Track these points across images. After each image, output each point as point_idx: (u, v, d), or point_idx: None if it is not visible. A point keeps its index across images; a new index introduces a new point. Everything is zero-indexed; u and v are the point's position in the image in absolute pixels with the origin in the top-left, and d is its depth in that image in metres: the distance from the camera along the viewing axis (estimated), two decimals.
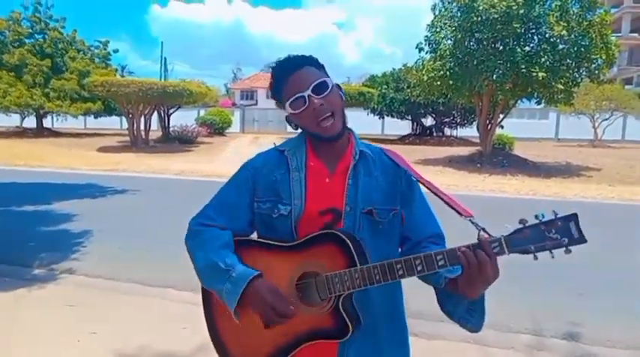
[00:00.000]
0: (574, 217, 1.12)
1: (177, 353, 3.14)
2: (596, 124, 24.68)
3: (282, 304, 1.20)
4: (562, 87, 13.85)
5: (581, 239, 1.11)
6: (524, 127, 26.57)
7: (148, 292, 4.32)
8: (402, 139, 25.80)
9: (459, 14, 14.55)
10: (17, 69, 25.92)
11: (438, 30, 15.24)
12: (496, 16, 13.32)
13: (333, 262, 1.24)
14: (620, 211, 9.26)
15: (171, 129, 24.49)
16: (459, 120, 25.51)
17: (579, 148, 21.84)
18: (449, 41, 14.99)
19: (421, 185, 1.39)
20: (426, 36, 15.58)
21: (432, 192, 1.33)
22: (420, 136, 26.43)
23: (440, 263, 1.16)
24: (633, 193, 11.20)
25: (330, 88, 1.30)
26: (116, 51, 30.53)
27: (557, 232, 1.11)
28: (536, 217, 1.13)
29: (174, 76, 42.77)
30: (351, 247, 1.22)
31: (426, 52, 15.86)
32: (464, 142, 23.77)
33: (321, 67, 1.36)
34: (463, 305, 1.28)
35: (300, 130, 1.41)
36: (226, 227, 1.37)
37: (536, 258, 1.13)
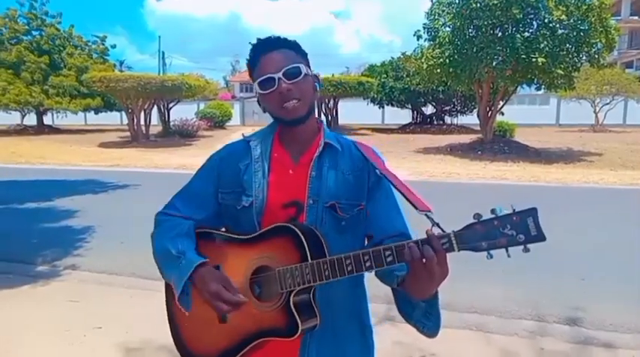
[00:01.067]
0: (533, 212, 1.02)
1: None
2: (597, 109, 24.57)
3: (229, 293, 1.16)
4: (562, 72, 13.77)
5: (539, 236, 1.01)
6: (525, 113, 26.47)
7: (151, 286, 4.32)
8: (403, 128, 25.74)
9: (457, 1, 14.44)
10: (15, 66, 25.88)
11: (436, 17, 15.14)
12: (495, 2, 13.22)
13: (287, 256, 1.18)
14: (622, 196, 9.25)
15: (171, 123, 24.48)
16: (459, 108, 25.43)
17: (580, 134, 21.77)
18: (447, 28, 14.89)
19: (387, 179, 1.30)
20: (425, 24, 15.49)
21: (392, 185, 1.25)
22: (421, 124, 26.37)
23: (388, 259, 1.08)
24: (635, 178, 11.18)
25: (302, 74, 1.26)
26: (114, 46, 30.52)
27: (513, 228, 1.02)
28: (492, 211, 1.04)
29: (172, 70, 42.73)
30: (304, 241, 1.16)
31: (425, 40, 15.78)
32: (464, 129, 23.70)
33: (301, 53, 1.32)
34: (420, 308, 1.20)
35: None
36: (191, 217, 1.36)
37: (490, 257, 1.04)
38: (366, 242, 1.37)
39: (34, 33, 28.07)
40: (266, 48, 1.29)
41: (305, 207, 1.27)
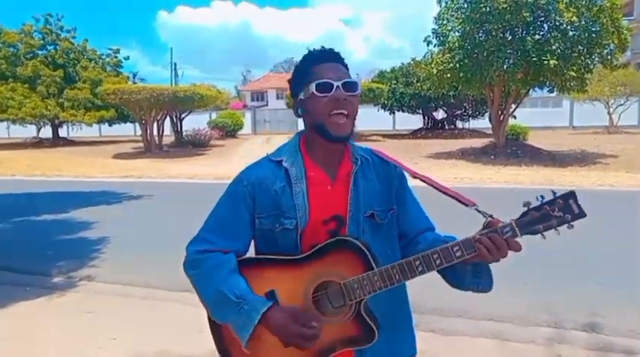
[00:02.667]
0: (572, 194, 1.20)
1: None
2: (611, 110, 24.25)
3: (308, 330, 1.17)
4: (574, 74, 13.63)
5: (582, 213, 1.20)
6: (538, 116, 26.22)
7: (166, 297, 4.36)
8: (414, 134, 25.65)
9: (465, 5, 14.41)
10: (31, 81, 26.40)
11: (445, 22, 15.11)
12: (504, 5, 13.16)
13: (349, 267, 1.23)
14: (639, 198, 9.08)
15: (183, 133, 24.70)
16: (470, 112, 25.27)
17: (595, 136, 21.48)
18: (457, 33, 14.86)
19: (420, 181, 1.39)
20: (434, 29, 15.47)
21: (434, 187, 1.34)
22: (432, 129, 26.25)
23: (457, 254, 1.19)
24: None
25: (358, 90, 1.30)
26: (127, 58, 30.95)
27: (560, 209, 1.19)
28: (538, 198, 1.20)
29: (184, 80, 43.20)
30: (366, 252, 1.22)
31: (435, 45, 15.75)
32: (476, 134, 23.54)
33: (349, 71, 1.37)
34: (468, 273, 1.29)
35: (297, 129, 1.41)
36: (229, 249, 1.32)
37: (544, 237, 1.21)
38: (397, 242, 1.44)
39: (49, 47, 28.60)
40: (324, 58, 1.32)
41: (347, 219, 1.31)
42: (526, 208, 1.20)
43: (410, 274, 1.21)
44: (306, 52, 1.37)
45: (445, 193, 1.32)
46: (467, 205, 1.27)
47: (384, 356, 1.37)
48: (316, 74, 1.29)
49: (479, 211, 1.25)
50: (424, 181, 1.37)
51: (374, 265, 1.22)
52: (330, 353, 1.25)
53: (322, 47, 1.36)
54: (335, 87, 1.26)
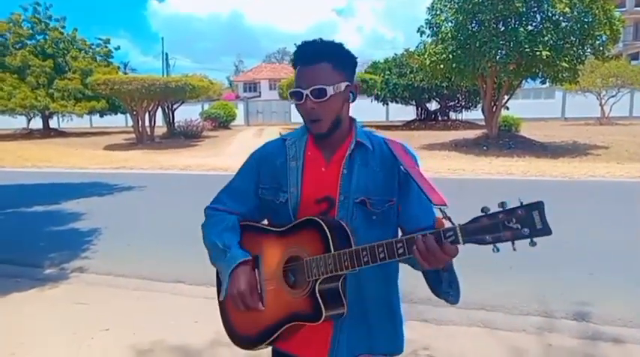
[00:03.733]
0: (539, 205, 1.03)
1: (190, 347, 3.18)
2: (603, 102, 24.40)
3: (249, 296, 1.32)
4: (567, 65, 13.67)
5: (545, 230, 1.02)
6: (530, 107, 26.34)
7: (159, 288, 4.36)
8: (408, 125, 25.67)
9: None
10: (20, 71, 26.08)
11: (438, 13, 15.07)
12: None
13: (314, 247, 1.28)
14: (630, 189, 9.18)
15: (176, 124, 24.55)
16: (463, 103, 25.31)
17: (586, 127, 21.63)
18: (450, 24, 14.83)
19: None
20: (427, 19, 15.42)
21: (412, 178, 1.31)
22: (425, 121, 26.28)
23: (399, 251, 1.18)
24: None
25: (327, 96, 1.30)
26: (117, 48, 30.63)
27: (518, 221, 1.03)
28: (501, 204, 1.06)
29: (176, 71, 42.82)
30: (328, 233, 1.25)
31: (428, 36, 15.72)
32: (469, 125, 23.61)
33: (341, 65, 1.34)
34: (445, 280, 1.32)
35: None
36: (235, 211, 1.49)
37: (496, 250, 1.07)
38: (399, 235, 1.41)
39: (38, 37, 28.26)
40: (304, 60, 1.34)
41: (337, 202, 1.35)
42: (482, 214, 1.07)
43: (357, 262, 1.21)
44: (297, 43, 1.38)
45: (418, 187, 1.27)
46: (430, 202, 1.22)
47: (362, 344, 1.39)
48: (296, 77, 1.35)
49: (442, 211, 1.20)
50: (408, 173, 1.32)
51: (332, 247, 1.24)
52: (284, 323, 1.32)
53: (304, 44, 1.36)
54: (304, 96, 1.31)
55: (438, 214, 1.26)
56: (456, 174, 11.28)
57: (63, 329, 3.49)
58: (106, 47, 29.76)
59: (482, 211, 1.07)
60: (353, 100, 1.40)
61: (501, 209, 1.05)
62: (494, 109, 16.38)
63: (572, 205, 7.12)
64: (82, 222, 7.02)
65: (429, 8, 15.40)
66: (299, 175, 1.39)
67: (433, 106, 26.95)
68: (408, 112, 27.51)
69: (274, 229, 1.40)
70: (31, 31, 28.01)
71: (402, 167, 1.36)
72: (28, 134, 28.43)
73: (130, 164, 15.09)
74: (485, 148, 15.68)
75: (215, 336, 3.15)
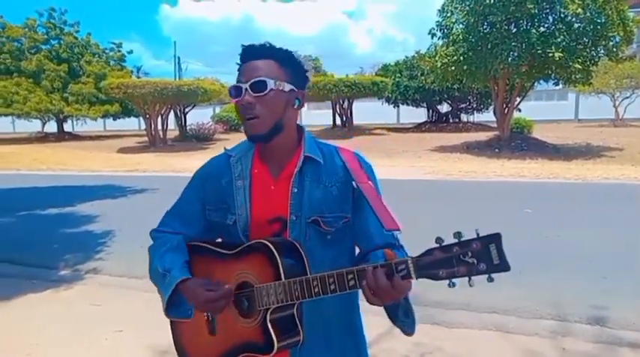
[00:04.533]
0: (495, 237, 0.94)
1: None
2: (617, 103, 24.07)
3: (214, 292, 1.17)
4: (579, 67, 13.53)
5: (502, 266, 0.94)
6: (543, 109, 26.08)
7: None
8: (419, 127, 25.55)
9: None
10: (35, 75, 26.47)
11: (449, 15, 15.02)
12: None
13: (264, 273, 1.18)
14: None
15: (188, 127, 24.69)
16: (475, 105, 25.13)
17: (600, 129, 21.34)
18: (461, 25, 14.76)
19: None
20: (438, 21, 15.38)
21: (364, 198, 1.21)
22: (437, 123, 26.13)
23: (350, 283, 1.07)
24: None
25: (267, 89, 1.20)
26: (130, 52, 30.98)
27: (474, 255, 0.95)
28: (455, 235, 0.97)
29: (188, 74, 43.07)
30: (278, 259, 1.15)
31: (439, 38, 15.66)
32: (481, 127, 23.42)
33: (289, 66, 1.25)
34: (402, 309, 1.19)
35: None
36: (181, 232, 1.38)
37: (452, 285, 0.98)
38: (355, 254, 1.35)
39: (52, 42, 28.66)
40: (247, 55, 1.25)
41: (288, 223, 1.25)
42: (436, 245, 0.99)
43: (307, 293, 1.11)
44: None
45: (371, 209, 1.18)
46: (383, 228, 1.13)
47: None
48: (239, 74, 1.25)
49: (394, 237, 1.19)
50: (361, 191, 1.23)
51: (282, 275, 1.14)
52: (237, 354, 1.23)
53: (253, 44, 1.26)
54: (243, 91, 1.21)
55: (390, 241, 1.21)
56: (467, 176, 11.21)
57: (77, 330, 3.53)
58: (119, 51, 30.11)
59: (437, 242, 0.99)
60: (299, 107, 1.28)
61: (456, 241, 0.96)
62: (506, 111, 16.26)
63: (585, 207, 7.04)
64: (96, 224, 7.10)
65: (439, 10, 15.36)
66: (247, 195, 1.28)
67: (444, 108, 26.80)
68: (419, 115, 27.39)
69: (224, 251, 1.27)
70: (46, 36, 28.43)
71: (354, 183, 1.26)
72: (43, 138, 28.80)
73: (142, 167, 15.23)
74: (497, 150, 15.56)
75: None
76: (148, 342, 3.29)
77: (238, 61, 1.27)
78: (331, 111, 24.76)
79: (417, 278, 1.01)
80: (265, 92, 1.20)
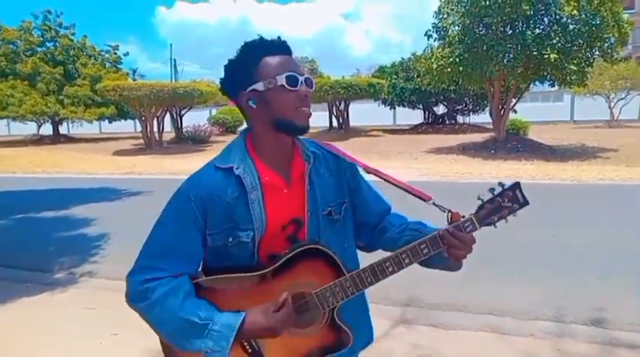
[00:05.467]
0: (518, 185, 1.27)
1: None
2: (612, 105, 24.19)
3: (283, 313, 1.14)
4: (575, 68, 13.58)
5: (526, 202, 1.26)
6: (539, 110, 26.16)
7: None
8: (415, 129, 25.60)
9: None
10: (31, 78, 26.37)
11: (445, 16, 15.05)
12: None
13: (319, 276, 1.21)
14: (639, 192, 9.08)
15: (184, 130, 24.65)
16: (471, 107, 25.19)
17: (595, 130, 21.43)
18: (457, 27, 14.79)
19: (373, 176, 1.39)
20: (434, 23, 15.41)
21: (388, 181, 1.34)
22: (433, 124, 26.18)
23: (424, 252, 1.22)
24: None
25: (313, 89, 1.27)
26: (126, 54, 30.92)
27: (510, 200, 1.25)
28: (490, 190, 1.26)
29: (184, 76, 43.11)
30: (336, 258, 1.21)
31: (435, 40, 15.68)
32: (477, 128, 23.48)
33: None
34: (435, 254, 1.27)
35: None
36: (178, 273, 1.20)
37: (495, 226, 1.26)
38: (357, 232, 1.44)
39: (48, 44, 28.55)
40: (277, 49, 1.23)
41: (306, 221, 1.27)
42: (480, 202, 1.26)
43: (381, 275, 1.21)
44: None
45: (401, 188, 1.33)
46: (424, 200, 1.31)
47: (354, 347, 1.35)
48: (281, 64, 1.21)
49: (436, 205, 1.30)
50: (378, 176, 1.36)
51: (344, 271, 1.21)
52: None
53: (278, 39, 1.26)
54: (300, 82, 1.21)
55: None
56: (463, 178, 11.22)
57: (71, 333, 3.51)
58: (115, 54, 30.04)
59: (479, 198, 1.26)
60: None
61: (494, 194, 1.25)
62: (502, 113, 16.30)
63: (580, 208, 7.06)
64: (91, 227, 7.06)
65: (436, 12, 15.39)
66: (261, 205, 1.22)
67: (440, 109, 26.85)
68: (415, 116, 27.44)
69: (250, 274, 1.18)
70: (41, 39, 28.33)
71: (359, 169, 1.40)
72: (38, 140, 28.69)
73: (138, 169, 15.18)
74: (493, 151, 15.60)
75: None
76: (143, 346, 3.27)
77: (258, 49, 1.22)
78: (327, 113, 24.77)
79: (480, 228, 1.25)
80: (313, 89, 1.27)
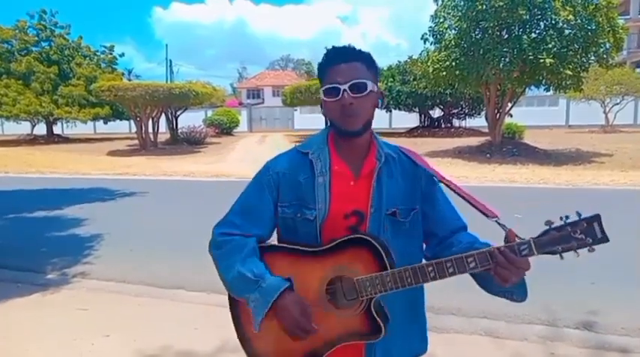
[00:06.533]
0: (597, 217, 1.17)
1: (191, 354, 3.16)
2: (607, 110, 24.35)
3: (306, 322, 1.24)
4: (570, 73, 13.65)
5: (604, 239, 1.17)
6: (534, 114, 26.32)
7: (159, 294, 4.35)
8: (411, 132, 25.67)
9: (462, 3, 14.40)
10: (25, 77, 26.25)
11: (441, 20, 15.11)
12: (500, 3, 13.16)
13: (365, 265, 1.26)
14: (634, 197, 9.13)
15: (179, 131, 24.62)
16: (467, 110, 25.30)
17: (590, 135, 21.56)
18: (453, 31, 14.85)
19: (443, 186, 1.42)
20: (430, 26, 15.46)
21: (456, 192, 1.36)
22: (429, 128, 26.27)
23: (471, 266, 1.20)
24: None
25: (367, 91, 1.30)
26: (122, 55, 30.76)
27: (583, 232, 1.16)
28: (561, 218, 1.18)
29: (180, 77, 43.03)
30: (382, 252, 1.24)
31: (431, 43, 15.75)
32: (473, 132, 23.57)
33: (372, 68, 1.35)
34: (496, 280, 1.27)
35: (322, 127, 1.42)
36: (252, 234, 1.37)
37: (562, 258, 1.19)
38: (423, 242, 1.46)
39: (43, 44, 28.44)
40: (339, 58, 1.32)
41: (367, 216, 1.33)
42: (547, 227, 1.19)
43: (422, 278, 1.23)
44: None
45: (468, 202, 1.33)
46: (487, 216, 1.28)
47: (396, 351, 1.39)
48: (330, 75, 1.32)
49: (499, 223, 1.26)
50: (449, 187, 1.38)
51: (388, 265, 1.24)
52: (336, 344, 1.29)
53: (344, 47, 1.36)
54: (342, 91, 1.28)
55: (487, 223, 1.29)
56: (459, 181, 11.16)
57: (64, 335, 3.48)
58: (111, 54, 29.94)
59: (547, 224, 1.19)
60: (381, 106, 1.42)
61: (564, 223, 1.17)
62: (497, 117, 16.37)
63: (575, 212, 7.07)
64: (85, 227, 7.02)
65: (432, 16, 15.44)
66: (327, 190, 1.34)
67: (436, 113, 26.95)
68: (411, 119, 27.52)
69: (307, 248, 1.31)
70: (36, 38, 28.22)
71: (435, 178, 1.41)
72: (32, 140, 28.55)
73: (133, 170, 15.12)
74: (488, 155, 15.65)
75: (217, 342, 3.14)
76: (135, 347, 3.25)
77: (321, 62, 1.35)
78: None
79: (538, 254, 1.19)
80: (365, 93, 1.30)
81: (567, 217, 1.18)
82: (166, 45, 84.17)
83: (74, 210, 8.27)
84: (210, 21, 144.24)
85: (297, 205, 1.35)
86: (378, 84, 1.38)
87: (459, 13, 14.35)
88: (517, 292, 1.31)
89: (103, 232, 6.55)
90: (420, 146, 18.59)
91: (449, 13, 14.90)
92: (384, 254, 1.24)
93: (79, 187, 11.52)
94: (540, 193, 9.53)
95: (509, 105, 16.14)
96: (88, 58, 28.94)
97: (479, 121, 23.83)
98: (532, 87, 16.64)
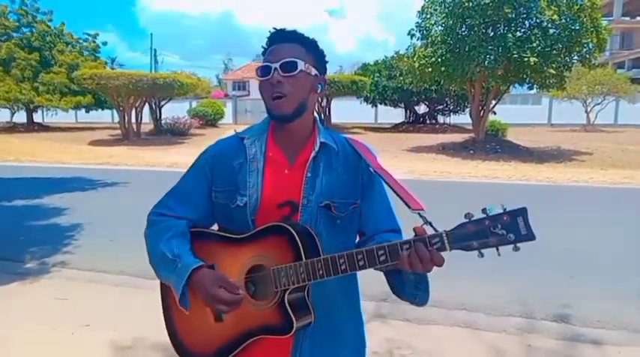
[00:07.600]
0: (523, 211, 1.05)
1: (169, 344, 3.14)
2: (589, 109, 24.75)
3: (227, 293, 1.17)
4: (554, 72, 13.86)
5: (529, 235, 1.04)
6: (517, 112, 26.62)
7: (139, 284, 4.31)
8: (396, 127, 25.78)
9: (449, 0, 14.48)
10: (5, 63, 25.62)
11: (428, 16, 15.18)
12: (487, 1, 13.27)
13: (281, 255, 1.20)
14: (612, 195, 9.32)
15: (162, 121, 24.32)
16: (451, 107, 25.52)
17: (572, 133, 21.92)
18: (440, 27, 14.94)
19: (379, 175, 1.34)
20: (417, 22, 15.52)
21: (385, 182, 1.29)
22: (414, 123, 26.43)
23: (381, 258, 1.12)
24: (625, 177, 11.28)
25: (297, 70, 1.25)
26: (105, 43, 30.27)
27: (503, 227, 1.04)
28: (483, 210, 1.06)
29: (164, 67, 42.56)
30: (298, 241, 1.17)
31: (418, 39, 15.81)
32: (457, 129, 23.78)
33: (313, 52, 1.31)
34: (410, 282, 1.23)
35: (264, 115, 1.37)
36: (184, 216, 1.35)
37: (481, 255, 1.08)
38: (357, 238, 1.39)
39: (24, 30, 27.76)
40: (278, 39, 1.30)
41: (300, 207, 1.27)
42: (466, 220, 1.07)
43: (333, 271, 1.15)
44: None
45: (394, 191, 1.25)
46: (410, 208, 1.17)
47: (324, 343, 1.32)
48: (266, 56, 1.30)
49: (421, 216, 1.15)
50: (380, 177, 1.30)
51: (304, 256, 1.17)
52: (249, 337, 1.23)
53: (284, 28, 1.33)
54: (272, 70, 1.25)
55: (418, 219, 1.18)
56: (442, 177, 11.34)
57: (42, 324, 3.44)
58: (94, 42, 29.39)
59: (466, 217, 1.07)
60: (321, 92, 1.35)
61: (486, 215, 1.05)
62: (481, 114, 16.53)
63: (555, 209, 7.20)
64: (65, 217, 6.92)
65: (419, 12, 15.51)
66: (259, 177, 1.29)
67: (422, 109, 27.11)
68: (397, 115, 27.65)
69: (231, 235, 1.28)
70: (17, 24, 27.53)
71: (371, 169, 1.33)
72: (11, 128, 27.93)
73: (114, 160, 14.92)
74: (471, 151, 15.81)
75: None
76: (114, 337, 3.23)
77: (264, 45, 1.32)
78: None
79: (450, 250, 1.08)
80: (295, 73, 1.25)
81: (490, 210, 1.05)
82: (151, 34, 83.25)
83: (54, 199, 8.14)
84: (196, 11, 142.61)
85: (230, 191, 1.30)
86: (325, 74, 1.35)
87: (446, 10, 14.44)
88: (421, 296, 1.25)
89: (84, 222, 6.47)
90: (404, 142, 18.69)
91: (436, 10, 14.98)
92: (300, 243, 1.17)
93: (59, 176, 11.32)
94: (522, 189, 9.66)
95: (493, 102, 16.32)
96: (70, 46, 28.37)
97: (463, 118, 24.04)
98: (516, 85, 16.85)
